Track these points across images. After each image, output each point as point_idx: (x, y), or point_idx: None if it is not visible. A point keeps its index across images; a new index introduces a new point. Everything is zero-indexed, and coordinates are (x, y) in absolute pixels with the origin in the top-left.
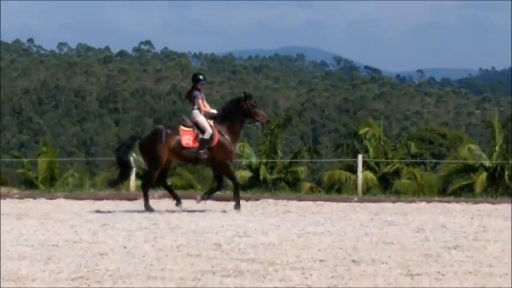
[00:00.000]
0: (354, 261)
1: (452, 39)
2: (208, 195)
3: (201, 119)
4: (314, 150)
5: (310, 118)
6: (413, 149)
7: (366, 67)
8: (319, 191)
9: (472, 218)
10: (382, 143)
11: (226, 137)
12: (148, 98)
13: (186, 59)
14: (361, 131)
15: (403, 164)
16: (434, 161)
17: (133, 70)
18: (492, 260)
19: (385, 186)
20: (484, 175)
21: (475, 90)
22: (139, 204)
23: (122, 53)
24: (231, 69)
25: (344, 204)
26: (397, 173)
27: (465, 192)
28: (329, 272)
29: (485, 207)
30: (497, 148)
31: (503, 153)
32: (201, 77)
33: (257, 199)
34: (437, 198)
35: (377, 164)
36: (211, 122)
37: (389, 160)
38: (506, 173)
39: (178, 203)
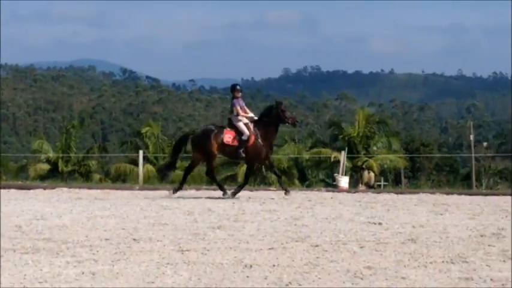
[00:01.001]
0: (134, 239)
1: (219, 53)
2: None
3: (239, 124)
4: (103, 147)
5: (100, 119)
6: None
7: (147, 77)
8: (107, 181)
9: (233, 202)
10: (160, 140)
11: (260, 140)
12: None
13: None
14: (143, 131)
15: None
16: None
17: None
18: (249, 237)
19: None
20: (245, 166)
21: None
22: None
23: None
24: (32, 78)
25: (127, 192)
26: None
27: (230, 181)
28: (113, 248)
29: (244, 194)
30: None
31: None
32: (238, 87)
33: (53, 188)
34: (205, 186)
35: (156, 158)
36: (251, 126)
37: (166, 155)
38: None
39: (224, 193)
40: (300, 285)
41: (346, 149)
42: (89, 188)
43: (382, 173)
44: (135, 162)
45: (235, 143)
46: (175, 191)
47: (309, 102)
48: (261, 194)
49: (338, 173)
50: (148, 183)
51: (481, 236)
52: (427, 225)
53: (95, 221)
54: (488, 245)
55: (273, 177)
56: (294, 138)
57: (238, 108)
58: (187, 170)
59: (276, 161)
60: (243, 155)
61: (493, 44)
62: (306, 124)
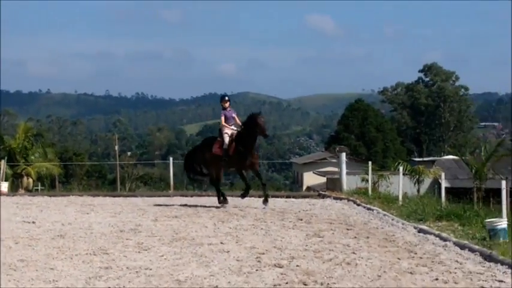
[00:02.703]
0: None
1: None
2: (244, 195)
3: (224, 134)
4: None
5: None
6: None
7: None
8: None
9: None
10: None
11: (241, 147)
12: None
13: None
14: None
15: None
16: None
17: None
18: None
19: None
20: None
21: None
22: None
23: None
24: None
25: None
26: None
27: None
28: None
29: None
30: None
31: None
32: (226, 98)
33: None
34: None
35: None
36: (234, 135)
37: None
38: None
39: (221, 201)
40: None
41: (6, 158)
42: None
43: (40, 178)
44: None
45: (221, 152)
46: (224, 201)
47: None
48: None
49: None
50: None
51: (121, 231)
52: (75, 223)
53: None
54: (126, 239)
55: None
56: None
57: (222, 118)
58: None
59: None
60: (223, 163)
61: (136, 68)
62: None
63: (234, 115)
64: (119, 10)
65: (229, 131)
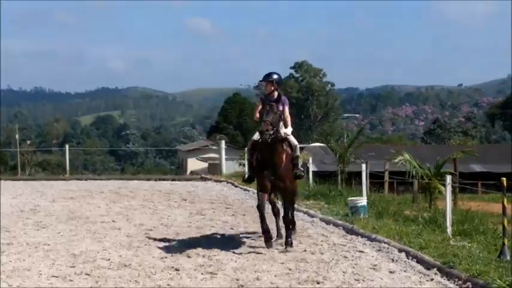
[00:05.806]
0: None
1: None
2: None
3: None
4: None
5: None
6: None
7: None
8: None
9: None
10: None
11: (259, 158)
12: None
13: None
14: None
15: None
16: None
17: None
18: None
19: None
20: None
21: None
22: None
23: None
24: None
25: None
26: None
27: None
28: None
29: None
30: None
31: None
32: (271, 77)
33: None
34: None
35: None
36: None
37: None
38: None
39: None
40: None
41: None
42: None
43: None
44: None
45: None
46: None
47: None
48: None
49: None
50: None
51: (21, 211)
52: None
53: None
54: (27, 218)
55: None
56: None
57: (257, 109)
58: None
59: None
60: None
61: (35, 65)
62: None
63: (281, 107)
64: (16, 12)
65: (256, 133)
